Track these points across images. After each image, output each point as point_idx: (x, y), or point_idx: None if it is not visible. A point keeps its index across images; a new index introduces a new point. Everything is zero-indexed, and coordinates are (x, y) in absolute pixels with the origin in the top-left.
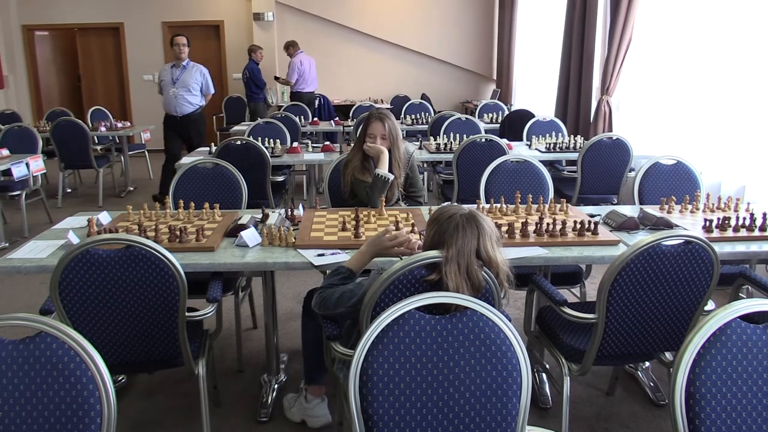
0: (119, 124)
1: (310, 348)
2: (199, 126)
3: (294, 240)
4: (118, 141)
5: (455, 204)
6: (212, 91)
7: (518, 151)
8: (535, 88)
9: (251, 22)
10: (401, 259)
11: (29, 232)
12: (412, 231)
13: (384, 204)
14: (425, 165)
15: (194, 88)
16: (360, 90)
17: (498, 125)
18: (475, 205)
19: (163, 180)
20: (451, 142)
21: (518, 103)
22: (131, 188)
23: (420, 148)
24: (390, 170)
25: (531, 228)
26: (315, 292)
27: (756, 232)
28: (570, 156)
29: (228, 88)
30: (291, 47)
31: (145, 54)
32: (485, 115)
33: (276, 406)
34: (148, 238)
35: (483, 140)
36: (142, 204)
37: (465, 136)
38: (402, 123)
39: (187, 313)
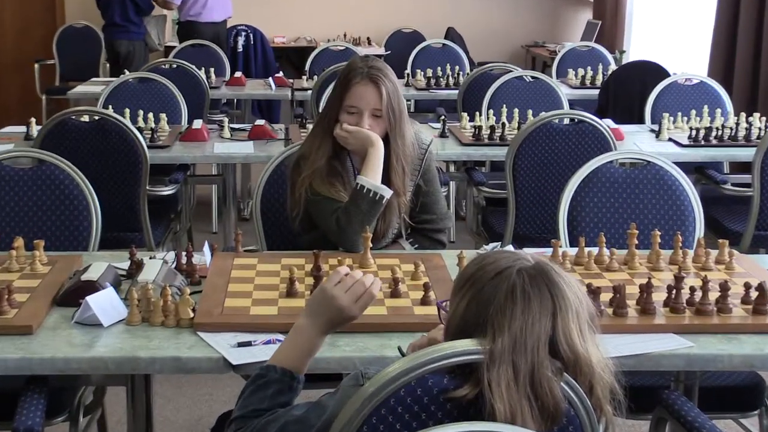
0: None
1: None
2: None
3: (192, 314)
4: None
5: (508, 249)
6: None
7: (635, 142)
8: (670, 25)
9: None
10: (402, 353)
11: None
12: (427, 293)
13: (369, 245)
14: (452, 169)
15: None
16: (327, 21)
17: (597, 91)
18: (548, 251)
19: None
20: (503, 125)
21: (635, 50)
22: None
23: (443, 135)
24: (386, 179)
25: (659, 296)
26: (229, 423)
27: None
28: (739, 154)
29: (65, 13)
30: None
31: None
32: (571, 71)
33: None
34: None
35: (566, 121)
36: None
37: (530, 113)
38: (408, 87)
39: None
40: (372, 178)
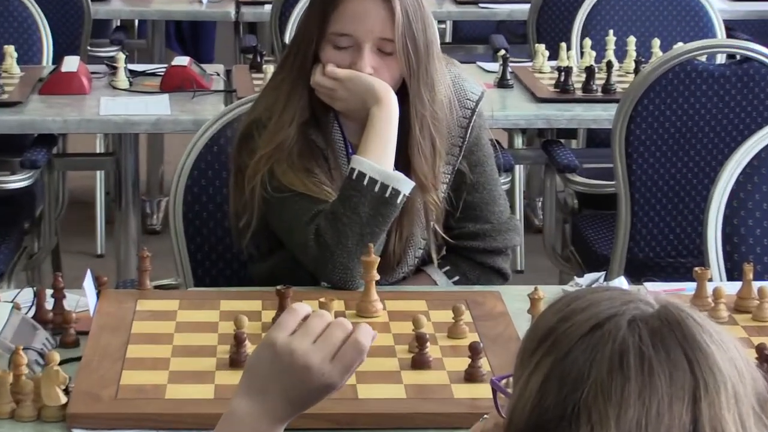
0: None
1: None
2: None
3: (64, 399)
4: None
5: (617, 284)
6: None
7: None
8: None
9: None
10: None
11: None
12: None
13: (375, 277)
14: (519, 143)
15: None
16: None
17: None
18: (688, 287)
19: None
20: (609, 66)
21: None
22: None
23: (503, 83)
24: (403, 162)
25: None
26: None
27: None
28: None
29: None
30: None
31: None
32: None
33: None
34: None
35: (720, 60)
36: None
37: (657, 44)
38: (438, 5)
39: None
40: (378, 159)
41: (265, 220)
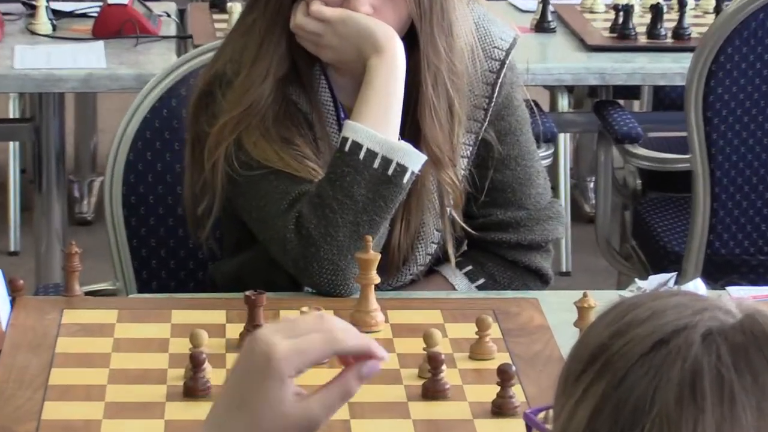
0: None
1: None
2: None
3: None
4: None
5: (689, 287)
6: None
7: None
8: None
9: None
10: None
11: None
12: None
13: (375, 280)
14: (563, 105)
15: None
16: None
17: None
18: None
19: None
20: (681, 2)
21: None
22: None
23: (542, 26)
24: (411, 128)
25: None
26: None
27: None
28: None
29: None
30: None
31: None
32: None
33: None
34: None
35: None
36: None
37: None
38: None
39: None
40: (378, 125)
41: (231, 205)
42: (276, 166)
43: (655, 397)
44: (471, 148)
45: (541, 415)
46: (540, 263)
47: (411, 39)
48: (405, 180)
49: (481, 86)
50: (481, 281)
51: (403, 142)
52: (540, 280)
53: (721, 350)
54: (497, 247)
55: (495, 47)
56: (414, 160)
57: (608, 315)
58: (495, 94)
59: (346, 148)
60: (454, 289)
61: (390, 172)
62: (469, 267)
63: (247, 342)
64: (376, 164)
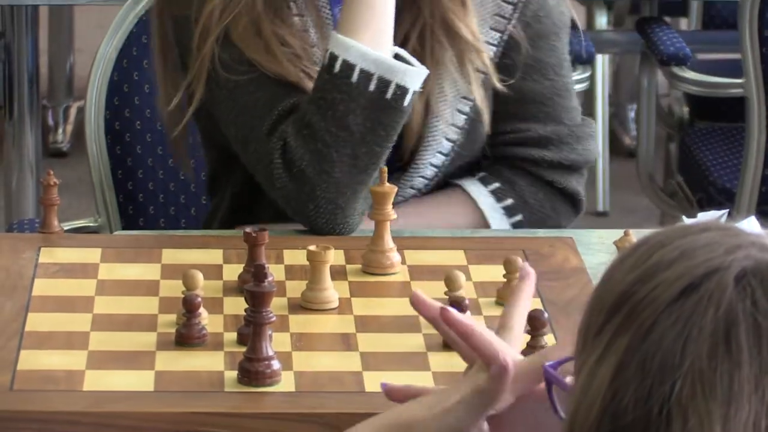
0: None
1: None
2: None
3: None
4: None
5: (734, 226)
6: None
7: None
8: None
9: None
10: None
11: None
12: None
13: (385, 218)
14: (602, 23)
15: None
16: None
17: None
18: None
19: None
20: None
21: None
22: None
23: None
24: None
25: None
26: None
27: None
28: None
29: None
30: None
31: None
32: None
33: None
34: None
35: None
36: None
37: None
38: None
39: None
40: (371, 38)
41: (210, 124)
42: (263, 67)
43: (685, 350)
44: (495, 49)
45: (561, 370)
46: (576, 187)
47: None
48: (406, 102)
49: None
50: (509, 201)
51: (400, 51)
52: (573, 206)
53: (756, 294)
54: (533, 165)
55: None
56: (414, 77)
57: (631, 256)
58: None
59: (336, 69)
60: (477, 207)
61: (389, 95)
62: (497, 185)
63: None
64: (372, 87)
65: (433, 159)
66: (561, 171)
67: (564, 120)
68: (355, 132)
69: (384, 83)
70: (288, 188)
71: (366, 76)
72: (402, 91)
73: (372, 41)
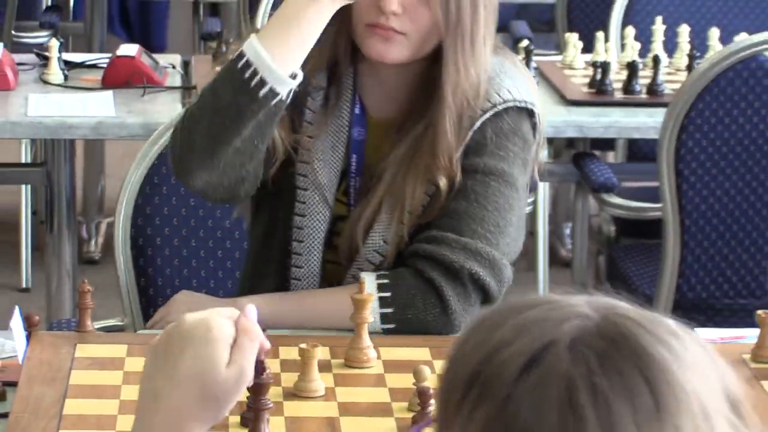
0: None
1: None
2: None
3: None
4: None
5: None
6: None
7: None
8: None
9: None
10: None
11: None
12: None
13: (363, 321)
14: (544, 156)
15: None
16: None
17: None
18: (740, 336)
19: None
20: (656, 61)
21: None
22: None
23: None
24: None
25: None
26: None
27: None
28: None
29: None
30: None
31: None
32: None
33: None
34: None
35: None
36: None
37: (714, 35)
38: None
39: None
40: (273, 46)
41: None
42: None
43: (540, 418)
44: (459, 150)
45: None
46: (444, 283)
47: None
48: (261, 94)
49: (465, 121)
50: (387, 294)
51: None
52: (441, 305)
53: (589, 359)
54: (413, 255)
55: (498, 94)
56: (278, 80)
57: (471, 336)
58: (471, 132)
59: (236, 54)
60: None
61: (253, 84)
62: (385, 279)
63: (172, 326)
64: (246, 74)
65: (370, 257)
66: (433, 264)
67: (463, 234)
68: (222, 100)
69: (254, 73)
70: (172, 143)
71: (246, 64)
72: (262, 83)
73: (273, 46)
